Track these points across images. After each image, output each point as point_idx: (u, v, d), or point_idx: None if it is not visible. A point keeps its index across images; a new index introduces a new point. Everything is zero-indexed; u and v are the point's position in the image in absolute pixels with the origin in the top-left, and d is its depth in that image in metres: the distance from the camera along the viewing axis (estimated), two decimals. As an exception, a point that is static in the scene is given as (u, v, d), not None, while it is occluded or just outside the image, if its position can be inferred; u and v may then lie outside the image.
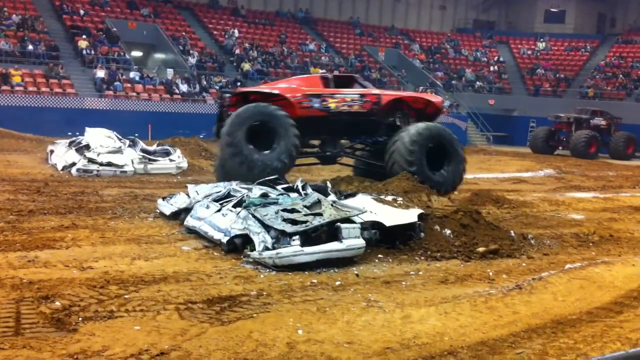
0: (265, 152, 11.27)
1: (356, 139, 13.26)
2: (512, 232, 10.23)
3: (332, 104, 12.06)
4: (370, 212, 9.05)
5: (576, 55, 45.76)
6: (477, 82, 41.65)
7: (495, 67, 44.36)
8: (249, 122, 11.23)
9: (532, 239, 10.33)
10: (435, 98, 13.26)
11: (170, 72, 30.36)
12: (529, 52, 46.74)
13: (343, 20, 45.09)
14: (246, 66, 33.46)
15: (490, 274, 8.23)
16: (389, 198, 10.00)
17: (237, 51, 34.83)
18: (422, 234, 9.30)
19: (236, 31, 36.93)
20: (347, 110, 12.19)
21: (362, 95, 12.34)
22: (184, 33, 34.60)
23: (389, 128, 12.70)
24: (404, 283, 7.60)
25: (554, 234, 11.08)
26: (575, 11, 48.69)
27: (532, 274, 8.22)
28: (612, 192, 17.62)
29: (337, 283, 7.43)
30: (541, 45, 47.08)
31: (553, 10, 48.88)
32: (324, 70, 35.58)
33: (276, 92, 12.09)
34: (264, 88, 12.74)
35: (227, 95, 12.81)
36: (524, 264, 8.87)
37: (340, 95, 12.18)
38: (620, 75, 41.17)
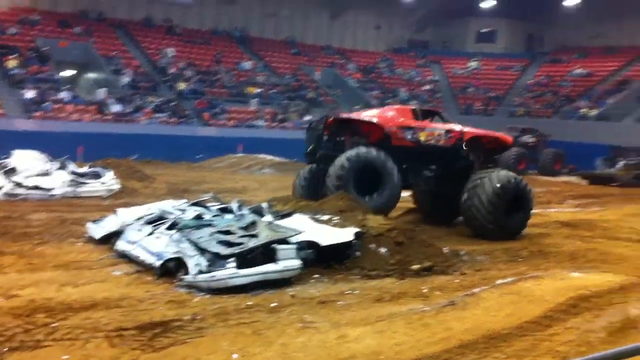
0: (372, 196, 12.14)
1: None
2: (445, 249, 10.40)
3: (422, 137, 13.09)
4: (306, 232, 9.04)
5: (506, 74, 47.20)
6: (411, 101, 42.36)
7: (429, 86, 45.25)
8: (358, 166, 12.01)
9: (465, 255, 10.54)
10: (505, 137, 14.42)
11: (102, 92, 29.70)
12: (461, 71, 47.95)
13: (279, 40, 45.19)
14: (182, 85, 33.15)
15: (425, 291, 8.33)
16: (325, 217, 10.04)
17: (173, 70, 34.46)
18: (358, 253, 9.34)
19: (171, 50, 36.55)
20: (434, 144, 13.22)
21: (448, 131, 13.34)
22: (117, 52, 34.02)
23: (462, 160, 13.66)
24: (339, 302, 7.60)
25: (485, 250, 11.33)
26: (506, 31, 50.41)
27: (465, 290, 8.38)
28: (541, 208, 18.12)
29: (273, 305, 7.37)
30: (473, 64, 48.38)
31: (484, 30, 50.42)
32: (259, 92, 35.65)
33: (374, 120, 12.99)
34: (361, 116, 13.62)
35: (324, 119, 13.53)
36: (457, 280, 9.01)
37: (429, 130, 13.23)
38: (549, 94, 42.62)
